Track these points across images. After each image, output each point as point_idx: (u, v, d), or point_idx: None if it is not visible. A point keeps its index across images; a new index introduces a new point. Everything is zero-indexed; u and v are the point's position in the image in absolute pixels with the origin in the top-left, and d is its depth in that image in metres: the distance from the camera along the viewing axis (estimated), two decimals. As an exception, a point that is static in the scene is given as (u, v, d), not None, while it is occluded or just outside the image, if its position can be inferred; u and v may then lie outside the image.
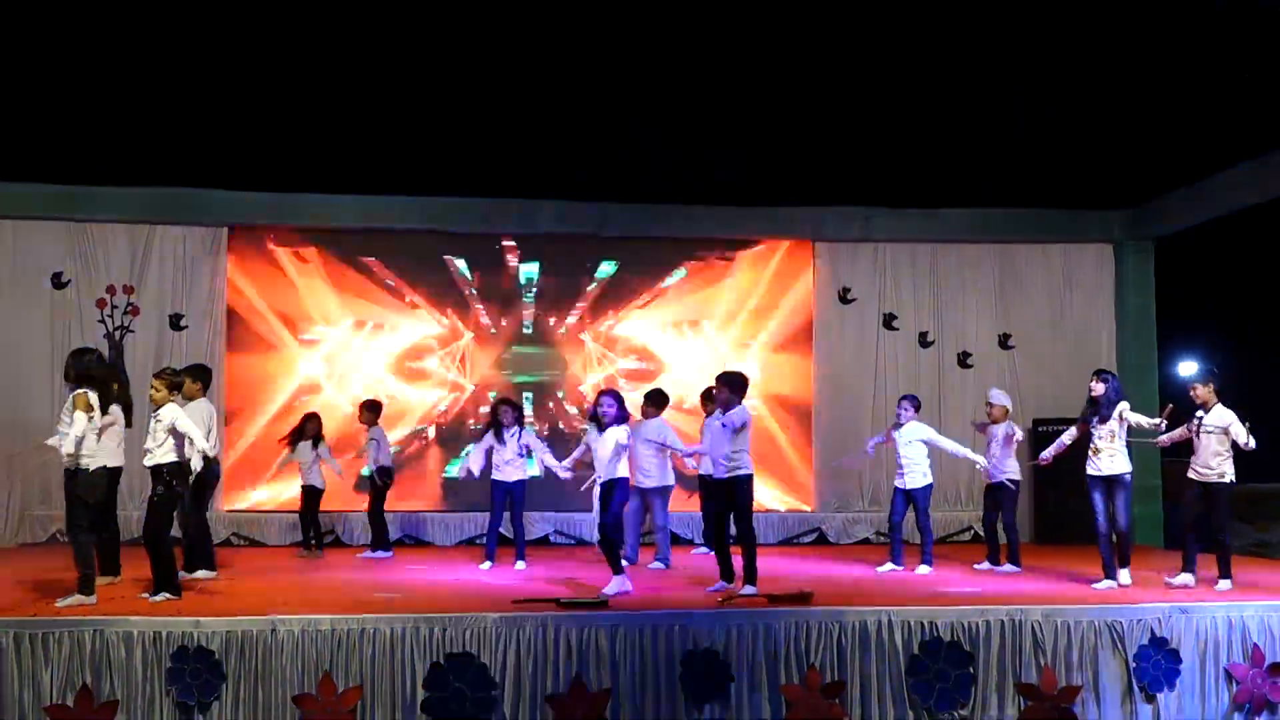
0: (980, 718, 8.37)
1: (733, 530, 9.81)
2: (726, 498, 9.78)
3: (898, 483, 11.50)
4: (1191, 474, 10.11)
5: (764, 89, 11.34)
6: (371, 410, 12.85)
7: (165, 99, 11.30)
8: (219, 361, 13.86)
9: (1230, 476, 9.96)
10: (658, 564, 11.77)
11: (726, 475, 9.67)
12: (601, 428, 9.68)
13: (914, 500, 11.44)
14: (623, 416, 9.77)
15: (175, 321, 14.15)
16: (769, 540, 14.08)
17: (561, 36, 10.33)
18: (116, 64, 10.60)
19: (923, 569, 11.20)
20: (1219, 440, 9.91)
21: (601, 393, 9.91)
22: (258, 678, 7.85)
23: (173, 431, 8.94)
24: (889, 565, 11.38)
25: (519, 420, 11.80)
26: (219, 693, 7.81)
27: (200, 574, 10.18)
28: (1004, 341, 15.30)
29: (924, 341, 15.27)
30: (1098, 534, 10.16)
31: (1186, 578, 9.95)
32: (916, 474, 11.39)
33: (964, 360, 15.21)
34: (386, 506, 12.78)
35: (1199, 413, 10.03)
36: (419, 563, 12.01)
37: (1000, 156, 12.83)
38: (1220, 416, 9.91)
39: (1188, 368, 17.45)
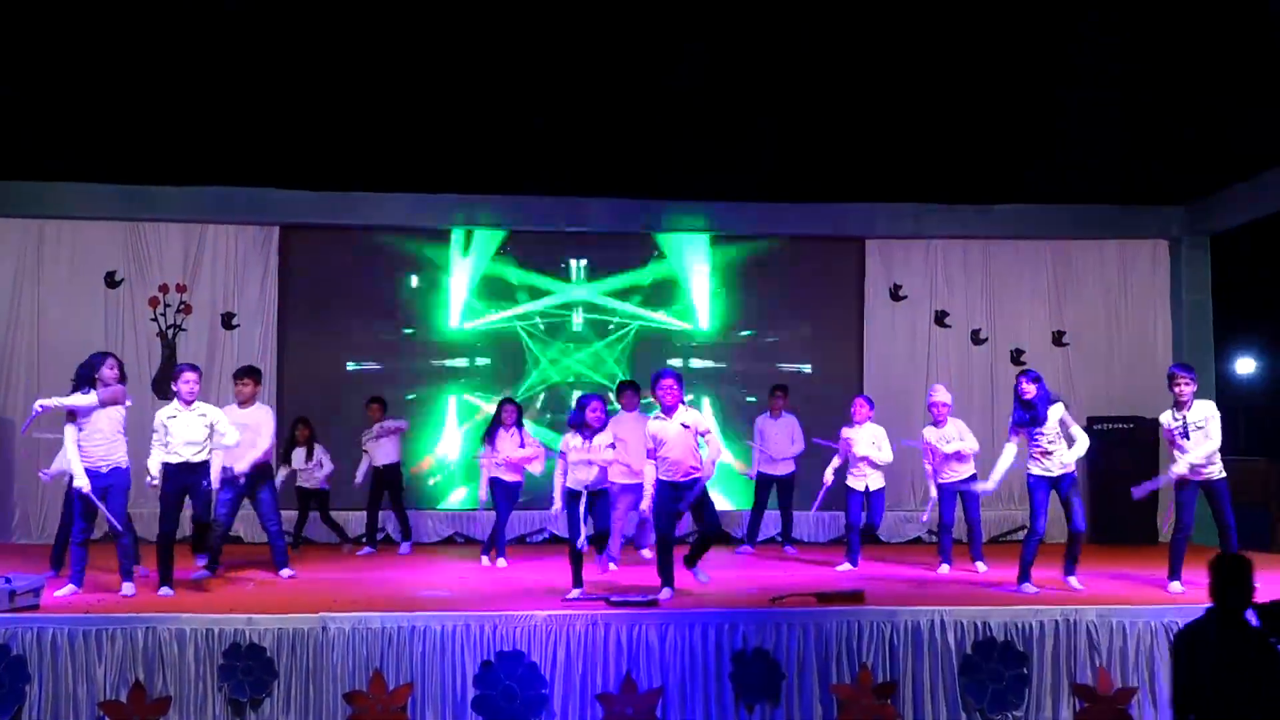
0: (1035, 719, 8.29)
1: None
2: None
3: (854, 483, 11.48)
4: (1186, 473, 9.45)
5: (816, 86, 11.27)
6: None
7: (218, 99, 11.37)
8: (270, 361, 13.97)
9: (1222, 470, 9.50)
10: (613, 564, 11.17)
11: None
12: (590, 434, 9.44)
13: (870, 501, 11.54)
14: (606, 421, 9.66)
15: (227, 320, 14.26)
16: (819, 539, 14.02)
17: (612, 33, 10.30)
18: (171, 65, 10.67)
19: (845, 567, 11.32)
20: (1205, 435, 9.39)
21: (591, 397, 9.62)
22: (309, 675, 7.90)
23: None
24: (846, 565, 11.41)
25: (517, 421, 11.69)
26: (270, 689, 7.87)
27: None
28: (1058, 339, 15.13)
29: (976, 339, 15.13)
30: (1031, 535, 9.63)
31: (1178, 585, 9.48)
32: (876, 475, 11.49)
33: (1017, 358, 15.05)
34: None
35: (1176, 414, 9.51)
36: (466, 560, 11.99)
37: (1054, 152, 12.69)
38: (1205, 409, 9.45)
39: (1245, 365, 17.20)
